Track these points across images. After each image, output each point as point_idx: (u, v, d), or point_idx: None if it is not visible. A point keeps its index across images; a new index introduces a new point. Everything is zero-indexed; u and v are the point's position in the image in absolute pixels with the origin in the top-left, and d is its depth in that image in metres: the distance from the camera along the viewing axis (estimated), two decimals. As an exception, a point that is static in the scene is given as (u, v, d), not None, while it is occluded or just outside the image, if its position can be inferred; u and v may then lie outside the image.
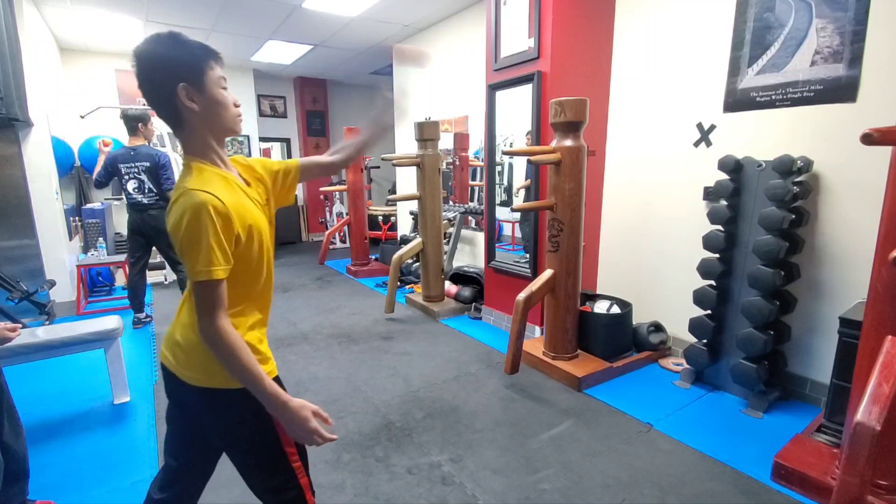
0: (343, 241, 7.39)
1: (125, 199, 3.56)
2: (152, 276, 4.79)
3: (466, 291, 4.12)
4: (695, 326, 2.59)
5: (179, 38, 0.97)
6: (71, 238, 4.51)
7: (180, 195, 0.94)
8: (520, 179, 3.67)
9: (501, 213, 3.79)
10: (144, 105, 6.00)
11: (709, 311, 2.57)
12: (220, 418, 1.07)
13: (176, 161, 5.51)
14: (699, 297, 2.56)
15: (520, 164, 3.63)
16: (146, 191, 3.51)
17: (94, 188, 3.98)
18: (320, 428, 1.01)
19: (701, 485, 1.85)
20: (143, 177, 3.50)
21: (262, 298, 1.11)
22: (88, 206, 4.89)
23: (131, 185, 3.50)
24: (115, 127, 5.86)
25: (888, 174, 1.53)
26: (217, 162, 1.04)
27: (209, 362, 0.99)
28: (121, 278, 5.01)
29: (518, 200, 3.68)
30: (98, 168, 3.53)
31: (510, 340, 2.65)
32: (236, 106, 1.05)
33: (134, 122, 3.53)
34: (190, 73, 0.96)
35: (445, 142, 4.80)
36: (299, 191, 8.12)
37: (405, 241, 5.18)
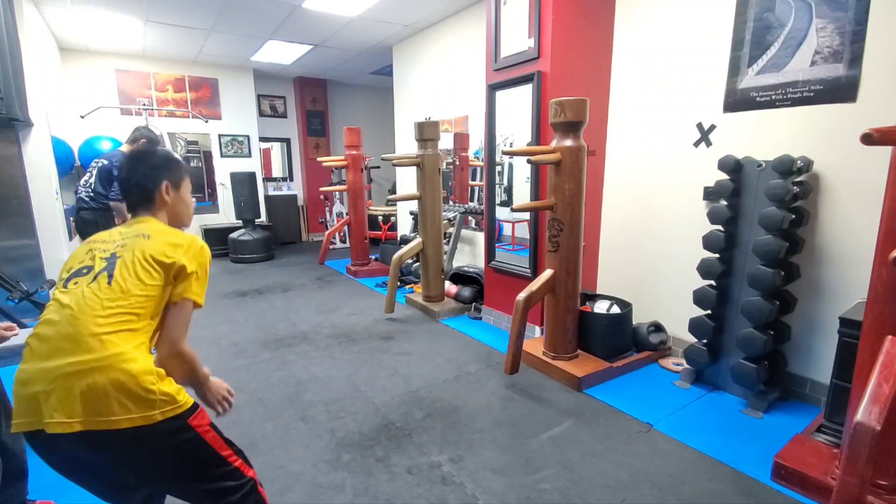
0: (343, 241, 7.39)
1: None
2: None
3: (466, 291, 4.12)
4: (695, 326, 2.59)
5: (171, 154, 1.39)
6: (71, 238, 4.51)
7: (181, 233, 1.25)
8: (520, 179, 3.66)
9: (501, 213, 3.79)
10: (145, 106, 6.00)
11: (709, 311, 2.57)
12: (154, 454, 1.09)
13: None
14: (699, 297, 2.56)
15: (519, 164, 3.62)
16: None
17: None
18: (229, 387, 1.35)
19: (701, 485, 1.85)
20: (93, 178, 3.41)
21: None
22: (88, 206, 4.88)
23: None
24: (116, 127, 5.87)
25: (888, 174, 1.53)
26: None
27: (138, 398, 1.03)
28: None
29: (516, 198, 3.68)
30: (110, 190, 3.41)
31: (510, 340, 2.65)
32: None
33: (140, 137, 3.46)
34: (174, 177, 1.33)
35: (445, 142, 4.80)
36: (299, 191, 8.12)
37: (405, 241, 5.19)
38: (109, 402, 1.00)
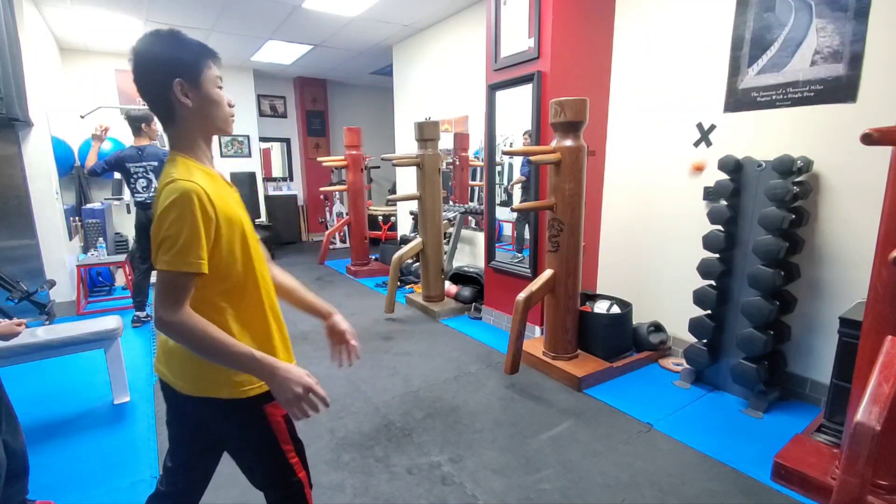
0: (343, 241, 7.39)
1: (132, 198, 3.62)
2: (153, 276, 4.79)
3: (466, 291, 4.12)
4: (695, 326, 2.59)
5: (179, 36, 0.99)
6: (71, 238, 4.51)
7: (167, 184, 0.93)
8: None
9: (501, 213, 3.79)
10: (145, 106, 6.04)
11: (709, 311, 2.57)
12: (219, 426, 1.11)
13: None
14: (699, 297, 2.56)
15: (519, 164, 3.63)
16: (154, 189, 3.58)
17: (88, 176, 4.00)
18: (315, 385, 0.98)
19: (701, 485, 1.85)
20: (152, 176, 3.59)
21: (249, 298, 1.07)
22: (88, 206, 4.89)
23: (140, 184, 3.58)
24: (116, 127, 5.87)
25: (888, 174, 1.53)
26: (203, 160, 1.04)
27: (204, 372, 1.02)
28: (121, 278, 5.01)
29: (515, 197, 3.68)
30: (93, 157, 3.54)
31: (510, 340, 2.65)
32: (230, 105, 1.06)
33: (137, 123, 3.58)
34: (187, 69, 0.97)
35: (445, 142, 4.80)
36: (299, 191, 8.12)
37: (405, 241, 5.18)
38: (174, 362, 1.06)
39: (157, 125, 3.74)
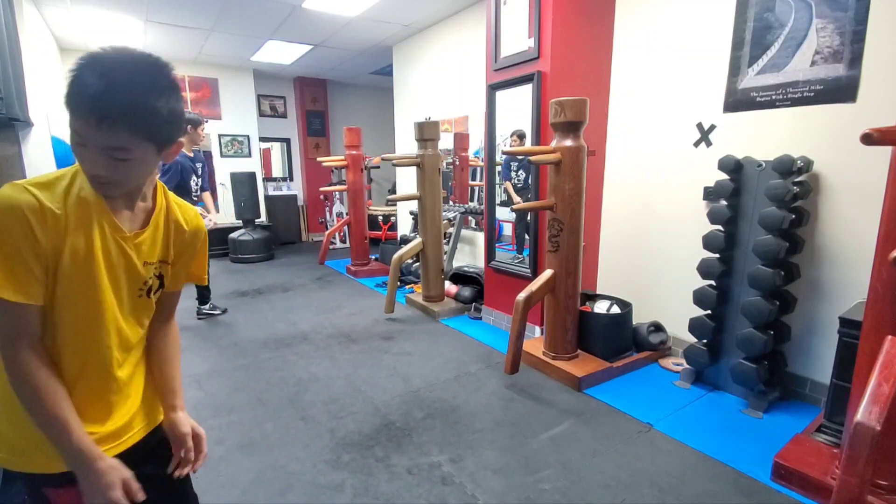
0: (343, 241, 7.39)
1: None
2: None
3: (466, 291, 4.12)
4: (695, 326, 2.59)
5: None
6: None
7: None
8: (520, 179, 3.67)
9: (501, 213, 3.79)
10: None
11: (709, 311, 2.57)
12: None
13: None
14: (699, 297, 2.56)
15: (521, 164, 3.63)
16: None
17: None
18: (124, 501, 0.82)
19: (701, 485, 1.85)
20: (205, 176, 3.99)
21: (83, 350, 0.86)
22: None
23: (194, 185, 3.86)
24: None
25: (888, 174, 1.53)
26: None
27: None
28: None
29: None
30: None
31: (510, 340, 2.65)
32: (96, 176, 0.81)
33: (185, 125, 3.65)
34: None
35: (445, 142, 4.80)
36: (299, 191, 8.12)
37: (405, 241, 5.18)
38: None
39: (203, 130, 3.92)
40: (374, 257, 5.85)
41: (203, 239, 1.07)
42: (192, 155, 3.82)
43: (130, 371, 0.96)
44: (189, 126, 3.64)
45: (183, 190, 3.60)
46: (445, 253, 4.42)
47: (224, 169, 6.96)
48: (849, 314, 1.95)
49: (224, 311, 4.07)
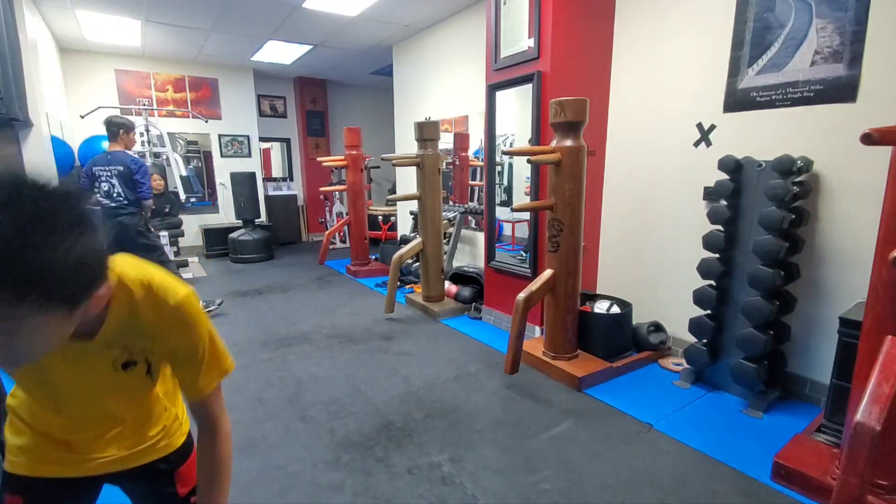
0: (343, 241, 7.39)
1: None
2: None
3: (466, 291, 4.12)
4: (695, 326, 2.59)
5: None
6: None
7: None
8: (520, 179, 3.67)
9: (501, 213, 3.79)
10: (145, 106, 6.00)
11: (709, 311, 2.57)
12: None
13: (176, 161, 5.53)
14: (699, 297, 2.56)
15: (519, 164, 3.62)
16: (114, 195, 3.55)
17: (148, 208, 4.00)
18: None
19: (701, 485, 1.85)
20: (115, 181, 3.54)
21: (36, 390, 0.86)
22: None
23: (103, 188, 3.54)
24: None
25: (888, 174, 1.53)
26: None
27: None
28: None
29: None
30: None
31: (510, 340, 2.65)
32: None
33: (116, 129, 3.60)
34: None
35: (445, 142, 4.80)
36: (299, 191, 8.12)
37: (405, 241, 5.18)
38: None
39: (136, 135, 3.75)
40: (374, 257, 5.85)
41: (189, 323, 0.82)
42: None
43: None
44: (122, 131, 3.57)
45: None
46: (445, 253, 4.42)
47: (224, 169, 6.96)
48: (849, 314, 1.95)
49: (220, 304, 4.06)
